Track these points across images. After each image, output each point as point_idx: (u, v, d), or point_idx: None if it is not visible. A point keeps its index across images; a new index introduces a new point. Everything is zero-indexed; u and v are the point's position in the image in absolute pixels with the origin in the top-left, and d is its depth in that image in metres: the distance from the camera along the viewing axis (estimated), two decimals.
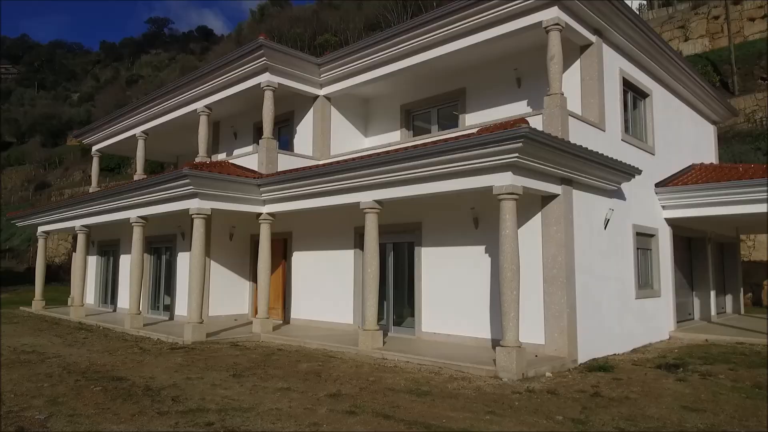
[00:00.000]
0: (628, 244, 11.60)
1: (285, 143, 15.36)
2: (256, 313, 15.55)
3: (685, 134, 15.27)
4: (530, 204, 9.75)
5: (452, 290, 10.99)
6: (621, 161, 10.28)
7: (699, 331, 13.36)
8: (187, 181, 11.25)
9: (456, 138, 8.86)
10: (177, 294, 15.53)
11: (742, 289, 18.60)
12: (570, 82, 11.25)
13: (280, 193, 12.22)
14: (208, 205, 11.80)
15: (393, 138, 14.52)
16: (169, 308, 15.82)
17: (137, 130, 18.26)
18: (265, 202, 12.77)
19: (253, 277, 15.83)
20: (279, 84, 13.53)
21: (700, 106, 16.08)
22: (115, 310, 18.51)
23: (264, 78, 13.42)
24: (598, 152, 9.47)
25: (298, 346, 11.13)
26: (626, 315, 11.21)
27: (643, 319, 11.91)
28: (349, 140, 14.85)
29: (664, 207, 13.37)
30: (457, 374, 8.32)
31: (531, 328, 9.64)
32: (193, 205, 11.72)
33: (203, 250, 11.72)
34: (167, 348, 10.68)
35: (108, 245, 19.45)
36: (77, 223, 16.74)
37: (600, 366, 8.90)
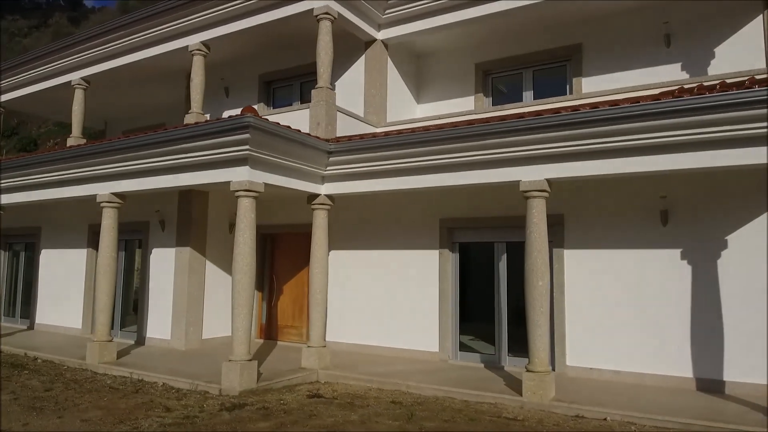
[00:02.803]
0: None
1: None
2: (261, 334, 11.47)
3: None
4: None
5: (619, 309, 7.97)
6: None
7: None
8: (245, 135, 7.07)
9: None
10: (149, 308, 10.89)
11: None
12: (750, 42, 8.81)
13: (357, 166, 8.41)
14: (260, 177, 7.68)
15: (463, 105, 11.21)
16: (137, 329, 11.09)
17: (74, 76, 13.04)
18: (324, 179, 8.85)
19: (259, 285, 11.66)
20: (338, 14, 9.63)
21: None
22: (31, 328, 13.12)
23: (320, 3, 9.42)
24: None
25: (399, 391, 7.49)
26: None
27: None
28: (398, 105, 11.26)
29: None
30: None
31: None
32: (239, 176, 7.51)
33: (253, 248, 7.56)
34: (216, 408, 6.49)
35: (19, 236, 13.88)
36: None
37: None
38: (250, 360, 7.41)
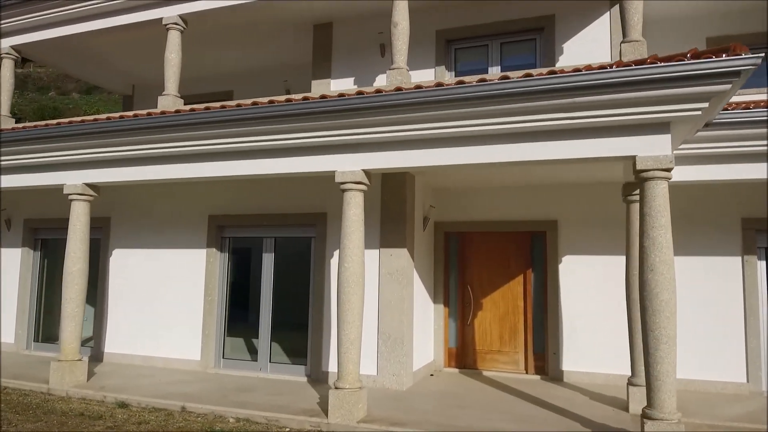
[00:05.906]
0: None
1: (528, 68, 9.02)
2: (451, 361, 9.06)
3: None
4: None
5: None
6: None
7: None
8: (723, 86, 4.70)
9: None
10: (329, 332, 7.92)
11: None
12: None
13: (715, 145, 6.36)
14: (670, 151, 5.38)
15: None
16: (310, 360, 8.05)
17: (168, 12, 9.50)
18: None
19: (443, 298, 9.11)
20: None
21: None
22: (98, 359, 9.33)
23: None
24: None
25: None
26: None
27: None
28: None
29: None
30: None
31: None
32: (655, 148, 5.12)
33: (672, 244, 5.22)
34: None
35: (63, 229, 9.90)
36: (79, 178, 7.69)
37: None
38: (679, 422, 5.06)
